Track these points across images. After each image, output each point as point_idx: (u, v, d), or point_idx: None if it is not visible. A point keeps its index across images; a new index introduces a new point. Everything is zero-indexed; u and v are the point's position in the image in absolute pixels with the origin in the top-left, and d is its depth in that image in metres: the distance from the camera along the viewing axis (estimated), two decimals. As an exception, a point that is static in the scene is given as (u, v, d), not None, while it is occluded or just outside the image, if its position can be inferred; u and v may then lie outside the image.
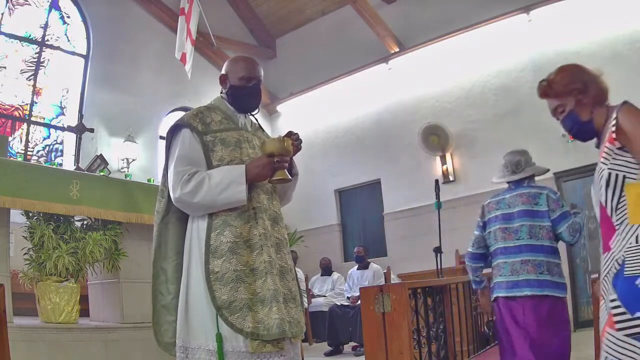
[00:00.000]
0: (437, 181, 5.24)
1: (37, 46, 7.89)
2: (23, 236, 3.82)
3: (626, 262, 1.48)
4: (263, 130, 2.31)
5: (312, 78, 9.40)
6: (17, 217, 3.86)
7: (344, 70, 8.92)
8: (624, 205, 1.54)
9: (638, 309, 1.43)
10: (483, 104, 7.82)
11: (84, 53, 8.34)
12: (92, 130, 6.71)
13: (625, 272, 1.46)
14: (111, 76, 8.20)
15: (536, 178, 3.46)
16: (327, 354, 6.45)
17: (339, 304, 6.88)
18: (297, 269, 3.93)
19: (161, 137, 8.75)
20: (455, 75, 8.04)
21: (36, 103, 7.82)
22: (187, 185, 1.92)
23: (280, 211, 2.13)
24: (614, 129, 1.57)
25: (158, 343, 2.07)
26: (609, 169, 1.58)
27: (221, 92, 2.20)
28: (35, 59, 7.83)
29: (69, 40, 8.27)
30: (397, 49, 8.66)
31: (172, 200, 1.99)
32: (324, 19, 9.66)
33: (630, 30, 6.65)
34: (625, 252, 1.49)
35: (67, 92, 8.19)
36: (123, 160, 8.11)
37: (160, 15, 8.94)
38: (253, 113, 2.22)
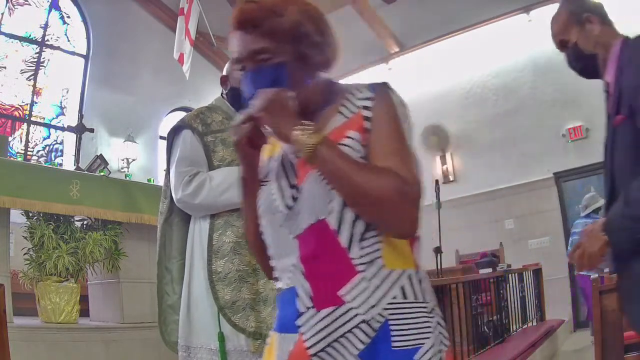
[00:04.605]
0: (437, 181, 5.25)
1: (37, 46, 7.88)
2: (23, 236, 3.82)
3: (392, 327, 0.96)
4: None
5: (312, 78, 9.39)
6: (17, 217, 3.87)
7: (344, 70, 8.91)
8: (374, 237, 0.99)
9: None
10: (483, 104, 7.82)
11: (84, 53, 8.34)
12: (92, 130, 6.71)
13: (394, 344, 0.95)
14: (111, 76, 8.20)
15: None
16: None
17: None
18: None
19: (161, 137, 8.75)
20: (455, 75, 8.04)
21: (36, 103, 7.82)
22: (189, 187, 1.93)
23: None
24: (369, 113, 1.03)
25: (165, 342, 2.08)
26: None
27: (222, 93, 2.20)
28: (35, 59, 7.83)
29: (69, 40, 8.27)
30: (397, 49, 8.66)
31: (175, 201, 1.99)
32: (324, 19, 9.66)
33: (631, 31, 6.65)
34: (386, 310, 0.96)
35: (67, 92, 8.19)
36: (123, 160, 8.10)
37: (160, 15, 8.94)
38: None
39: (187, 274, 2.00)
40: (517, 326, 4.94)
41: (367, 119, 1.02)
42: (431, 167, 8.15)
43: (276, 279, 1.08)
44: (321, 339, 0.96)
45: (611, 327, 2.08)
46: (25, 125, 7.67)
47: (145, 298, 3.93)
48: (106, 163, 5.77)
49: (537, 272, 5.77)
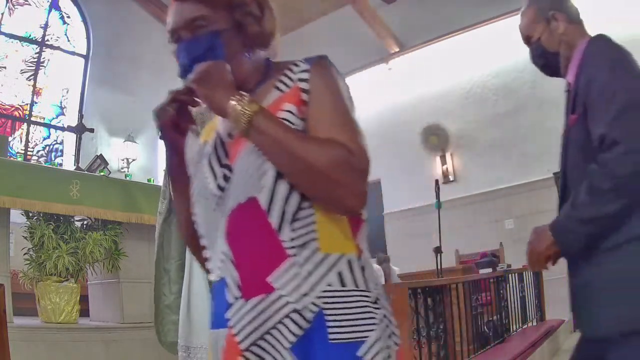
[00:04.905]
0: (437, 181, 5.25)
1: (37, 46, 7.89)
2: (23, 236, 3.83)
3: (328, 317, 0.86)
4: None
5: (312, 78, 9.40)
6: (17, 217, 3.87)
7: (344, 70, 8.82)
8: (308, 217, 0.90)
9: None
10: (483, 104, 7.82)
11: (84, 53, 8.35)
12: (92, 130, 6.71)
13: (332, 336, 0.85)
14: (111, 76, 8.21)
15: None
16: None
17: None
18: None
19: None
20: (455, 75, 8.04)
21: (36, 103, 7.82)
22: None
23: None
24: (306, 85, 0.95)
25: (161, 343, 2.07)
26: None
27: None
28: (35, 59, 7.83)
29: (69, 40, 8.28)
30: (397, 49, 8.67)
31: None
32: (324, 19, 9.67)
33: (631, 31, 6.65)
34: (320, 298, 0.86)
35: (67, 92, 8.19)
36: (123, 160, 8.11)
37: (160, 15, 8.94)
38: None
39: (187, 274, 2.00)
40: (517, 326, 4.93)
41: (304, 91, 0.94)
42: (431, 167, 8.16)
43: (209, 272, 1.00)
44: (251, 332, 0.87)
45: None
46: (25, 125, 7.67)
47: (145, 298, 3.93)
48: (106, 163, 5.77)
49: (537, 272, 5.76)
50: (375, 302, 0.90)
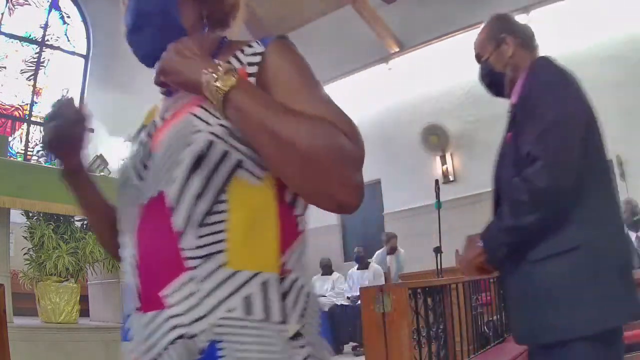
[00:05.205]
0: (437, 181, 5.25)
1: (37, 46, 7.89)
2: (23, 236, 3.83)
3: (221, 352, 0.68)
4: None
5: (312, 78, 9.40)
6: (17, 217, 3.87)
7: (344, 70, 8.93)
8: (220, 223, 0.72)
9: None
10: (483, 104, 7.80)
11: (84, 53, 8.35)
12: (92, 130, 6.67)
13: None
14: (111, 76, 8.21)
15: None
16: (327, 354, 6.44)
17: (339, 303, 6.89)
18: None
19: (161, 137, 8.76)
20: (455, 75, 8.04)
21: (36, 103, 7.83)
22: None
23: None
24: (253, 69, 0.80)
25: None
26: (211, 133, 0.73)
27: None
28: (35, 59, 7.84)
29: (69, 40, 8.28)
30: (397, 49, 8.67)
31: None
32: (324, 19, 9.68)
33: (631, 31, 6.65)
34: (218, 327, 0.69)
35: (67, 92, 8.19)
36: (123, 160, 8.11)
37: (160, 15, 8.96)
38: None
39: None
40: (517, 326, 4.93)
41: (251, 75, 0.79)
42: (431, 167, 8.16)
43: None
44: (144, 352, 0.72)
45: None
46: (25, 125, 7.68)
47: (145, 298, 3.94)
48: (106, 163, 5.77)
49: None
50: (294, 339, 0.70)
